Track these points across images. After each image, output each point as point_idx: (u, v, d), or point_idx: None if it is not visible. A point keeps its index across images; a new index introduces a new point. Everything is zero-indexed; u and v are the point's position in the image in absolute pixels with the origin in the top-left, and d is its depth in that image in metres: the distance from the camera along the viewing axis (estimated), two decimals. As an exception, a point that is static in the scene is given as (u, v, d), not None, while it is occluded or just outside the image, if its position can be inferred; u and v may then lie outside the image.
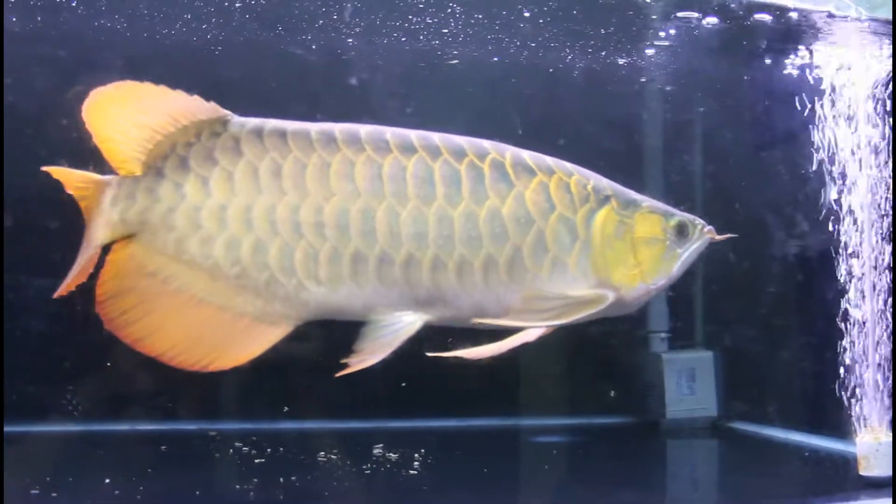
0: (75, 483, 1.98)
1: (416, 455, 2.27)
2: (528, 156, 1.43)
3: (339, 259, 1.33)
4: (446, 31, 1.96)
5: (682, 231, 1.47)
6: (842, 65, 2.21)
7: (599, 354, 2.86)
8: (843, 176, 2.22)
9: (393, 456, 2.27)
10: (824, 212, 2.23)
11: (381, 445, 2.35)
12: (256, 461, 2.24)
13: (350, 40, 1.97)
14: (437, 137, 1.39)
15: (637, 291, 1.45)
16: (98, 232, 1.34)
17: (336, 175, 1.33)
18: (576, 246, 1.41)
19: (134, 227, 1.34)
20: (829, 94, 2.20)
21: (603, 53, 2.19)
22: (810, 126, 2.19)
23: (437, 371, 2.58)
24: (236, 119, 1.37)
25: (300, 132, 1.36)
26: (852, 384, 2.20)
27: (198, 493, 1.95)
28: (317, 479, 2.10)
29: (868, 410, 2.18)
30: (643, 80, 2.42)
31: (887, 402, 2.17)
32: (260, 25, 1.90)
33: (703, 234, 1.49)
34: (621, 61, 2.24)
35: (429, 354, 1.40)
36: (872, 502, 1.95)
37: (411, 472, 2.15)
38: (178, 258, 1.34)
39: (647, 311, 2.98)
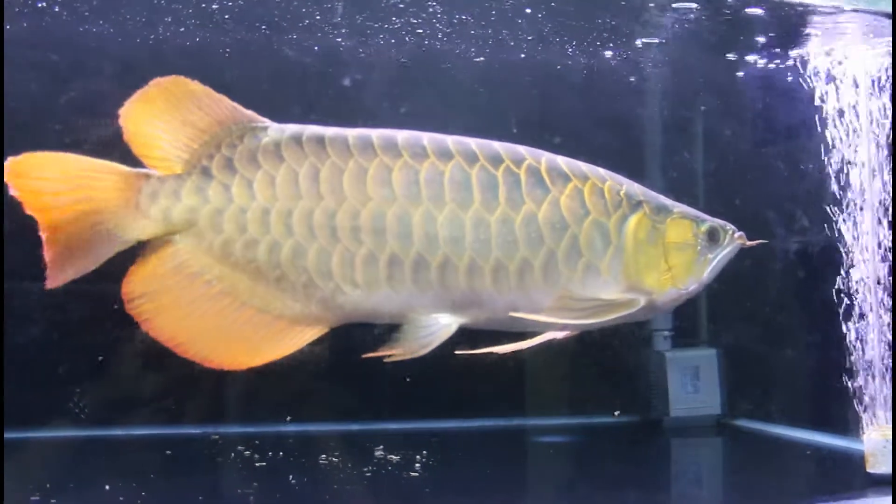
0: (75, 489, 1.97)
1: (418, 457, 2.26)
2: (562, 161, 1.45)
3: (375, 262, 1.34)
4: (437, 29, 1.95)
5: (713, 236, 1.51)
6: (837, 57, 2.19)
7: (603, 354, 2.85)
8: (843, 171, 2.20)
9: (394, 458, 2.26)
10: (826, 208, 2.22)
11: (382, 447, 2.33)
12: (258, 464, 2.23)
13: (339, 40, 1.96)
14: (473, 143, 1.41)
15: (668, 296, 1.48)
16: (132, 227, 1.33)
17: (373, 180, 1.35)
18: (608, 251, 1.43)
19: (177, 227, 1.34)
20: (825, 89, 2.19)
21: (596, 48, 2.18)
22: (808, 121, 2.18)
23: (439, 372, 2.59)
24: (275, 125, 1.39)
25: (338, 138, 1.37)
26: (859, 381, 2.18)
27: (200, 497, 1.94)
28: (317, 482, 2.09)
29: (876, 407, 2.16)
30: (636, 76, 2.40)
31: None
32: (246, 27, 1.89)
33: (735, 239, 1.53)
34: (615, 57, 2.22)
35: (458, 353, 1.42)
36: (879, 499, 1.92)
37: (412, 473, 2.14)
38: (224, 260, 1.34)
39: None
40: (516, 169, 1.40)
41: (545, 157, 1.44)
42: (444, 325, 1.38)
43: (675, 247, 1.48)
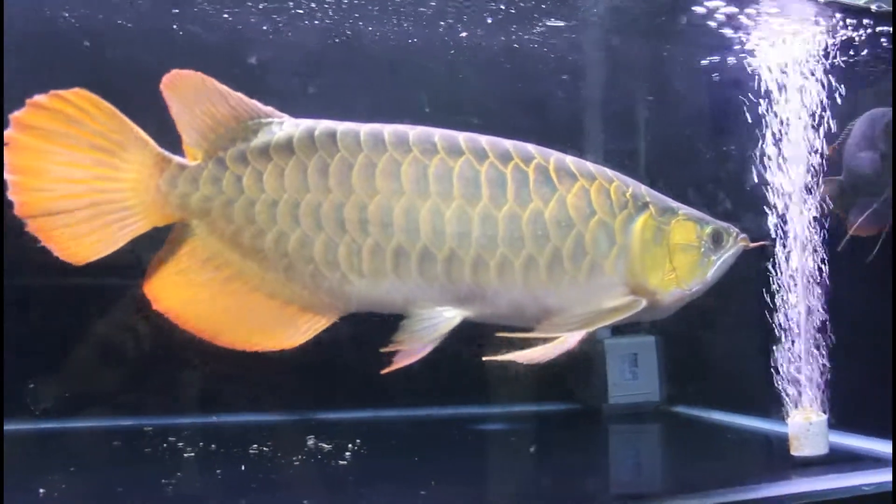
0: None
1: (350, 446, 2.24)
2: (570, 161, 1.49)
3: (381, 254, 1.38)
4: (349, 6, 1.92)
5: (716, 238, 1.57)
6: (774, 41, 2.21)
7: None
8: (775, 157, 2.22)
9: (325, 447, 2.25)
10: (759, 195, 2.24)
11: (314, 437, 2.32)
12: (185, 455, 2.21)
13: (251, 18, 1.93)
14: (483, 140, 1.45)
15: (672, 296, 1.54)
16: (152, 211, 1.36)
17: (381, 174, 1.39)
18: (613, 250, 1.47)
19: (192, 214, 1.37)
20: (761, 74, 2.21)
21: (514, 27, 2.16)
22: (742, 107, 2.20)
23: (373, 362, 2.58)
24: (291, 119, 1.42)
25: (349, 133, 1.41)
26: (786, 366, 2.21)
27: (119, 489, 1.91)
28: (244, 472, 2.07)
29: (800, 392, 2.19)
30: (559, 56, 2.38)
31: (819, 383, 2.19)
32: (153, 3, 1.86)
33: (738, 241, 1.60)
34: (537, 37, 2.20)
35: (485, 358, 1.45)
36: (801, 480, 1.95)
37: (341, 462, 2.13)
38: (233, 248, 1.39)
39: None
40: (525, 167, 1.44)
41: (554, 156, 1.47)
42: (448, 317, 1.41)
43: (679, 248, 1.53)
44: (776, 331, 2.24)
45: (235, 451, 2.24)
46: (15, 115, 1.29)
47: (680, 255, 1.53)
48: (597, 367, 2.92)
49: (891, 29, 2.21)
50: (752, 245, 1.64)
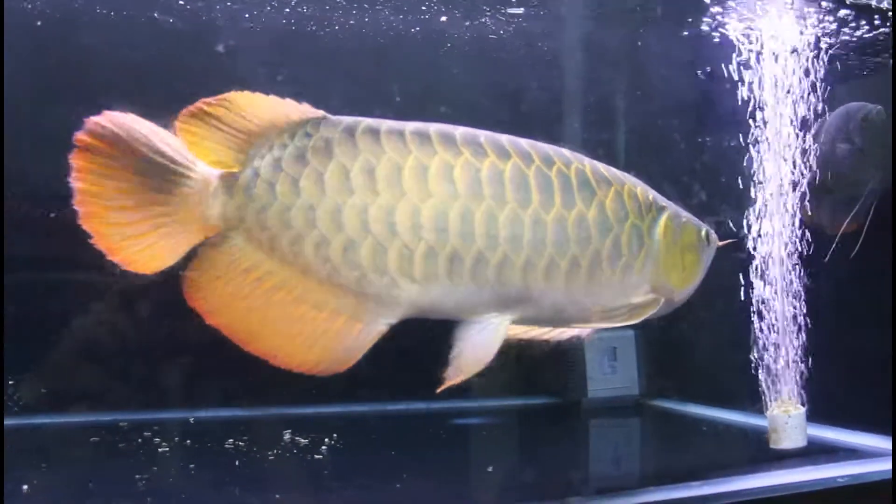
0: None
1: (327, 440, 2.23)
2: (600, 165, 1.53)
3: (434, 258, 1.36)
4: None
5: (708, 239, 1.67)
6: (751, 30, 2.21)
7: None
8: (751, 147, 2.22)
9: (302, 441, 2.23)
10: (730, 185, 2.24)
11: (290, 431, 2.30)
12: (160, 450, 2.19)
13: (217, 5, 1.90)
14: (524, 143, 1.46)
15: (684, 294, 1.63)
16: (199, 224, 1.35)
17: (434, 177, 1.37)
18: (642, 251, 1.52)
19: (230, 224, 1.36)
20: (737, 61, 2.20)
21: (485, 19, 2.14)
22: (713, 95, 2.19)
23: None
24: (330, 119, 1.39)
25: (394, 132, 1.38)
26: (765, 359, 2.22)
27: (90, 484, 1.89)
28: (219, 467, 2.05)
29: (778, 384, 2.19)
30: (528, 45, 2.37)
31: (797, 376, 2.19)
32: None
33: (715, 241, 1.70)
34: (504, 25, 2.19)
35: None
36: (778, 473, 1.95)
37: (317, 456, 2.11)
38: (272, 256, 1.36)
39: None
40: (566, 170, 1.46)
41: (587, 161, 1.51)
42: (497, 322, 1.42)
43: (688, 248, 1.61)
44: (754, 324, 2.24)
45: (211, 447, 2.22)
46: (78, 136, 1.31)
47: (688, 254, 1.61)
48: (576, 361, 2.91)
49: (864, 24, 2.22)
50: (721, 244, 1.72)
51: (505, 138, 1.45)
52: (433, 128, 1.41)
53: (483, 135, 1.44)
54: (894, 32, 2.14)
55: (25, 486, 1.79)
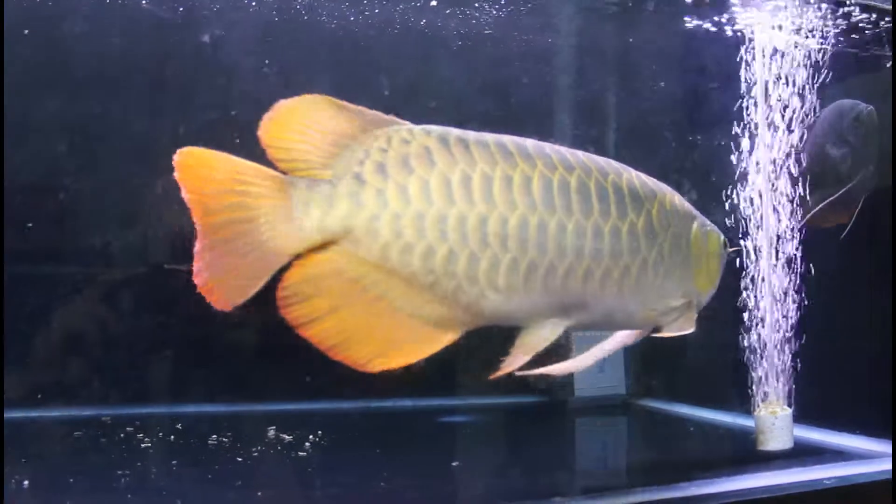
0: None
1: (311, 437, 2.21)
2: (643, 176, 1.58)
3: (516, 269, 1.39)
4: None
5: (725, 246, 1.73)
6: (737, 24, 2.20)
7: (508, 333, 2.83)
8: (743, 144, 2.22)
9: (286, 438, 2.21)
10: (723, 184, 2.23)
11: (275, 427, 2.28)
12: (143, 445, 2.16)
13: None
14: (581, 154, 1.50)
15: (706, 298, 1.70)
16: (288, 239, 1.30)
17: (518, 188, 1.40)
18: (679, 258, 1.58)
19: (333, 235, 1.32)
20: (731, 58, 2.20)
21: (478, 14, 2.13)
22: (707, 91, 2.18)
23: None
24: (417, 127, 1.39)
25: (481, 143, 1.41)
26: (753, 360, 2.21)
27: (71, 480, 1.87)
28: (202, 462, 2.03)
29: (766, 386, 2.19)
30: (521, 39, 2.35)
31: (785, 377, 2.19)
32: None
33: (728, 247, 1.76)
34: (498, 20, 2.17)
35: (519, 373, 1.49)
36: (765, 474, 1.95)
37: (300, 453, 2.10)
38: (381, 266, 1.34)
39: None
40: (619, 182, 1.50)
41: (632, 171, 1.56)
42: (554, 328, 1.49)
43: (713, 255, 1.67)
44: (742, 325, 2.24)
45: (194, 442, 2.20)
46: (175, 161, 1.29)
47: (712, 261, 1.68)
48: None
49: (864, 22, 2.21)
50: (731, 250, 1.79)
51: (564, 149, 1.49)
52: (507, 139, 1.44)
53: (546, 146, 1.47)
54: (894, 32, 2.13)
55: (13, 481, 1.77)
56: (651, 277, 1.54)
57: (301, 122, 1.34)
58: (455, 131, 1.41)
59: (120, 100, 2.19)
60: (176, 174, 1.28)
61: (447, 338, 1.39)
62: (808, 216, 2.24)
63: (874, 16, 2.18)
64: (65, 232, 2.42)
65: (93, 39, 2.01)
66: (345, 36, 2.11)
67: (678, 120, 2.74)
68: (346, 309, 1.33)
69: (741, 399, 2.26)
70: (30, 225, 2.31)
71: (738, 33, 2.21)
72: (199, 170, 1.30)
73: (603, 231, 1.46)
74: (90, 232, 2.45)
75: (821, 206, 2.26)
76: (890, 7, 2.14)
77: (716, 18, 2.19)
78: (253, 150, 1.30)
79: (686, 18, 2.18)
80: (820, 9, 2.13)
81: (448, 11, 2.08)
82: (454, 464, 2.20)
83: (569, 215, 1.43)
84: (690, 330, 1.67)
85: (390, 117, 1.38)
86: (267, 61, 2.10)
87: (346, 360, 1.33)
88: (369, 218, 1.33)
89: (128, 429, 2.29)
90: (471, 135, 1.42)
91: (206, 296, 1.29)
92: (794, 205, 2.21)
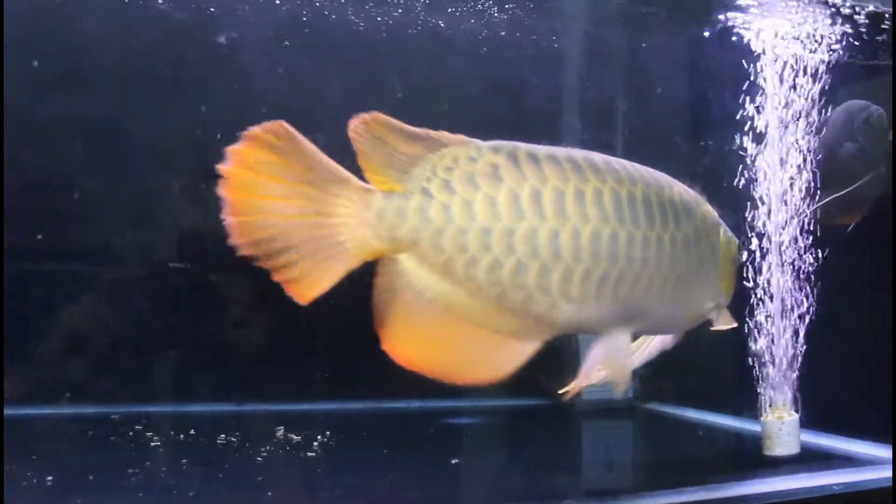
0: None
1: (319, 437, 2.22)
2: (684, 187, 1.62)
3: (589, 279, 1.41)
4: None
5: (739, 250, 1.77)
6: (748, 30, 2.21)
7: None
8: (750, 150, 2.22)
9: (294, 438, 2.22)
10: (731, 188, 2.23)
11: (283, 427, 2.29)
12: (152, 444, 2.18)
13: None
14: (638, 167, 1.54)
15: (727, 301, 1.74)
16: (362, 244, 1.34)
17: (590, 203, 1.43)
18: (712, 265, 1.63)
19: (402, 246, 1.36)
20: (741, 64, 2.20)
21: (491, 14, 2.12)
22: (714, 97, 2.18)
23: (351, 355, 2.55)
24: (485, 144, 1.41)
25: (552, 158, 1.43)
26: (759, 365, 2.21)
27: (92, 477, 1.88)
28: (211, 462, 2.04)
29: (773, 390, 2.19)
30: (533, 42, 2.35)
31: (792, 382, 2.19)
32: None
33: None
34: (510, 23, 2.17)
35: (561, 393, 1.62)
36: (772, 479, 1.95)
37: (309, 453, 2.10)
38: (444, 278, 1.37)
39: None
40: (671, 194, 1.55)
41: (676, 183, 1.60)
42: (622, 336, 1.52)
43: (733, 260, 1.72)
44: (749, 329, 2.24)
45: (203, 441, 2.21)
46: (232, 149, 1.30)
47: (732, 266, 1.72)
48: (570, 362, 2.90)
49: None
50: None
51: (626, 162, 1.52)
52: (577, 153, 1.47)
53: (612, 160, 1.50)
54: (894, 33, 2.13)
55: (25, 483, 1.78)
56: (695, 284, 1.59)
57: (387, 137, 1.37)
58: (524, 147, 1.43)
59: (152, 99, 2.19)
60: (258, 153, 1.29)
61: (524, 347, 1.43)
62: (818, 214, 2.23)
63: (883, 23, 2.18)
64: (74, 231, 2.43)
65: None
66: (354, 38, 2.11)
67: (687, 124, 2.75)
68: (413, 320, 1.36)
69: (748, 404, 2.26)
70: (36, 225, 2.33)
71: (746, 39, 2.21)
72: (292, 157, 1.32)
73: (664, 241, 1.50)
74: (99, 231, 2.46)
75: (827, 200, 2.26)
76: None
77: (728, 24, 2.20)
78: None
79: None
80: (829, 15, 2.13)
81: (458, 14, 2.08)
82: (459, 465, 2.20)
83: (636, 227, 1.46)
84: (735, 324, 1.78)
85: (460, 136, 1.42)
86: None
87: (418, 370, 1.36)
88: (435, 232, 1.36)
89: (136, 427, 2.30)
90: (541, 150, 1.44)
91: (287, 289, 1.31)
92: (802, 209, 2.21)
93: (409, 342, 1.36)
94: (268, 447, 2.15)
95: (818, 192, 2.23)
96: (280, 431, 2.27)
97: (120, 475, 1.90)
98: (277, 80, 2.04)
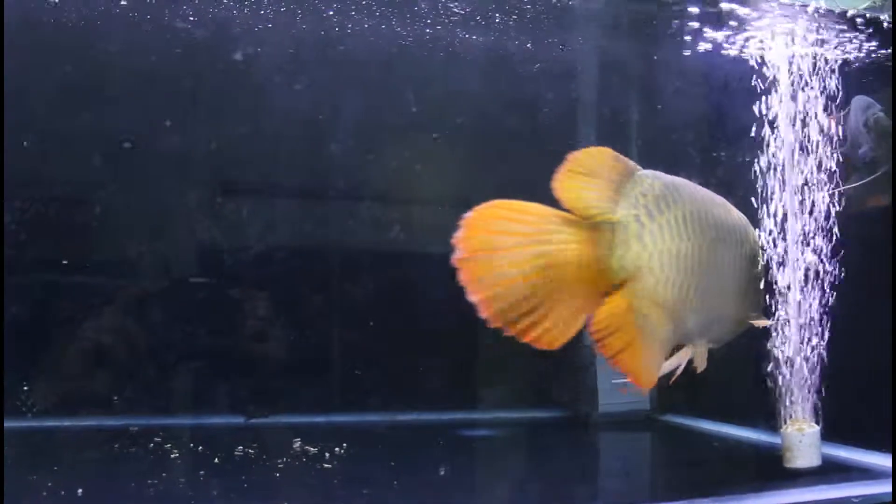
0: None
1: (336, 449, 2.22)
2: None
3: (709, 292, 1.53)
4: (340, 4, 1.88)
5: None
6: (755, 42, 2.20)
7: (531, 348, 2.83)
8: (761, 156, 2.21)
9: (311, 450, 2.22)
10: (748, 196, 2.22)
11: (300, 440, 2.29)
12: (171, 456, 2.19)
13: (234, 13, 1.90)
14: (703, 189, 1.62)
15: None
16: (598, 281, 1.41)
17: (707, 224, 1.54)
18: (757, 276, 1.71)
19: (627, 274, 1.43)
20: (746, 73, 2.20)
21: (503, 31, 2.13)
22: (723, 107, 2.17)
23: (371, 367, 2.56)
24: (646, 172, 1.50)
25: (689, 186, 1.55)
26: (779, 376, 2.20)
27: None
28: (228, 474, 2.05)
29: (793, 402, 2.17)
30: (544, 61, 2.36)
31: (812, 394, 2.17)
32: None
33: None
34: (523, 39, 2.18)
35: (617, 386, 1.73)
36: (792, 492, 1.94)
37: (325, 465, 2.11)
38: (655, 302, 1.45)
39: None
40: (735, 214, 1.65)
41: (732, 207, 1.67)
42: (701, 346, 1.65)
43: (764, 269, 1.80)
44: (769, 340, 2.22)
45: (220, 453, 2.22)
46: (458, 237, 1.36)
47: (764, 275, 1.79)
48: (587, 374, 2.90)
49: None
50: None
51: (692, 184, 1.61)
52: (687, 185, 1.56)
53: (688, 184, 1.58)
54: (895, 34, 2.12)
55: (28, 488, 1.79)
56: (749, 293, 1.70)
57: (591, 171, 1.43)
58: (674, 178, 1.53)
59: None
60: (479, 232, 1.36)
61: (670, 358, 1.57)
62: (846, 195, 2.22)
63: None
64: (93, 243, 2.46)
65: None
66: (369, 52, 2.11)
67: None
68: (641, 341, 1.44)
69: (767, 416, 2.24)
70: (57, 239, 2.35)
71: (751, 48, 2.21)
72: (510, 224, 1.39)
73: (746, 259, 1.63)
74: (119, 244, 2.49)
75: (853, 185, 2.25)
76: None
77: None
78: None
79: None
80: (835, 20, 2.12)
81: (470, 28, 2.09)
82: (475, 477, 2.21)
83: (738, 246, 1.60)
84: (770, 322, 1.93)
85: (631, 161, 1.49)
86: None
87: (635, 383, 1.47)
88: (649, 256, 1.44)
89: (155, 439, 2.32)
90: (681, 180, 1.54)
91: (537, 345, 1.39)
92: (821, 220, 2.20)
93: (634, 358, 1.44)
94: (284, 459, 2.15)
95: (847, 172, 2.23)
96: (297, 443, 2.28)
97: (139, 487, 1.91)
98: (296, 95, 2.07)
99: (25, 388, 2.34)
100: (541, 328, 1.37)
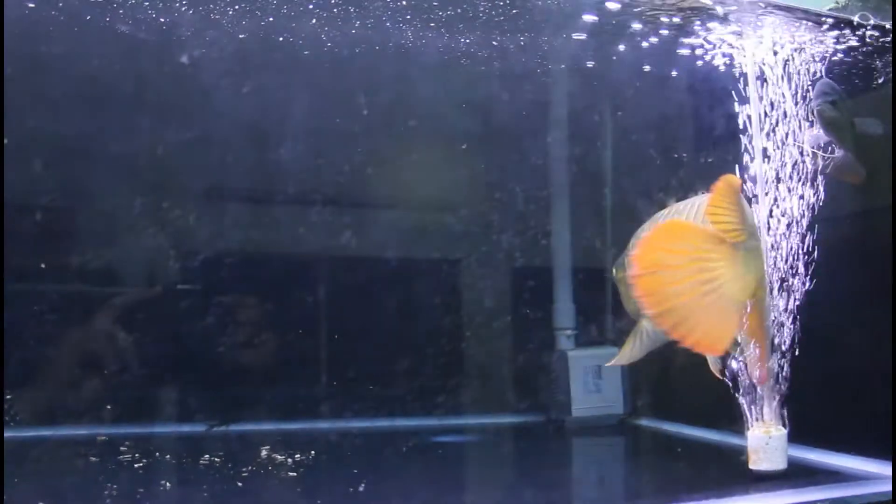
0: None
1: (303, 457, 2.21)
2: None
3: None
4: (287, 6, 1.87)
5: None
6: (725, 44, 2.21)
7: (506, 353, 2.83)
8: (744, 158, 2.21)
9: (278, 458, 2.21)
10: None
11: (268, 447, 2.28)
12: (135, 465, 2.17)
13: (179, 16, 1.88)
14: None
15: None
16: (746, 292, 1.65)
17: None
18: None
19: (758, 284, 1.68)
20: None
21: (458, 32, 2.12)
22: (692, 111, 2.18)
23: (342, 373, 2.55)
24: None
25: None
26: (746, 379, 2.20)
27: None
28: (192, 483, 2.03)
29: (760, 405, 2.17)
30: (500, 61, 2.35)
31: (779, 397, 2.17)
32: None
33: None
34: (475, 41, 2.17)
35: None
36: (758, 495, 1.94)
37: (290, 473, 2.09)
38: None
39: (553, 308, 2.96)
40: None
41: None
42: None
43: None
44: (736, 344, 2.22)
45: (185, 462, 2.20)
46: (635, 256, 1.59)
47: None
48: (560, 379, 2.90)
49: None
50: None
51: None
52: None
53: None
54: (895, 34, 2.12)
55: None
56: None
57: (736, 198, 1.63)
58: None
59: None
60: (652, 251, 1.58)
61: None
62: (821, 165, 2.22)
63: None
64: (36, 251, 2.43)
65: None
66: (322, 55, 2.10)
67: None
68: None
69: (736, 419, 2.24)
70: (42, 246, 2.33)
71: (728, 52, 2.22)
72: (672, 242, 1.61)
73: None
74: (64, 251, 2.46)
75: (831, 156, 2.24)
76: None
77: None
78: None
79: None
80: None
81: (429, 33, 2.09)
82: (448, 483, 2.20)
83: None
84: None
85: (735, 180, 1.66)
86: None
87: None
88: (764, 275, 1.73)
89: (121, 448, 2.30)
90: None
91: (696, 348, 1.63)
92: (793, 221, 2.20)
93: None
94: (251, 467, 2.14)
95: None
96: (265, 451, 2.26)
97: (98, 495, 1.89)
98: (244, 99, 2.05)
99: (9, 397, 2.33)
100: (699, 334, 1.59)
